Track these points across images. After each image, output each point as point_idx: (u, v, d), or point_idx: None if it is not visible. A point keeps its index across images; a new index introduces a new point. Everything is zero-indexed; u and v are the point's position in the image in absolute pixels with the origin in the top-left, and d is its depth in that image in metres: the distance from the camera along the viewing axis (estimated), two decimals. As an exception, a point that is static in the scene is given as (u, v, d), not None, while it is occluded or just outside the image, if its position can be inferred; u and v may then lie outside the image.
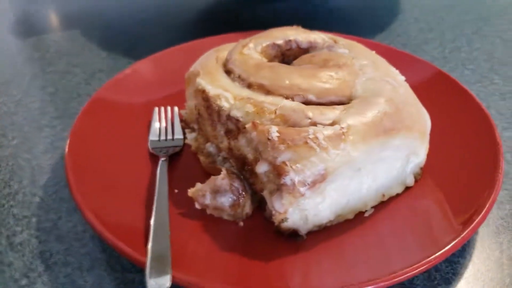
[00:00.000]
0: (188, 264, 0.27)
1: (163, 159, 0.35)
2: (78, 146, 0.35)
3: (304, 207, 0.28)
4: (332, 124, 0.29)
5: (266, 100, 0.30)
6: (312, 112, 0.29)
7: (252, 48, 0.36)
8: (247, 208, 0.31)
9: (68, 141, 0.35)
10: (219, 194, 0.31)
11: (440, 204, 0.31)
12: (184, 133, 0.38)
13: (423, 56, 0.52)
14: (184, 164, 0.36)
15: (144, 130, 0.39)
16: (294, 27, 0.40)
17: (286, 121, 0.29)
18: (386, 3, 0.69)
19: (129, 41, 0.59)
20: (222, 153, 0.35)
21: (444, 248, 0.26)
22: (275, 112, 0.29)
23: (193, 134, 0.38)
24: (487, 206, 0.29)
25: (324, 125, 0.28)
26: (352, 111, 0.29)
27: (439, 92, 0.40)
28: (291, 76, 0.31)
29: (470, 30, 0.60)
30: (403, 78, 0.34)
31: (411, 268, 0.25)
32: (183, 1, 0.70)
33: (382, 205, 0.31)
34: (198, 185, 0.31)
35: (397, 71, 0.35)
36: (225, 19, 0.65)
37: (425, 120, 0.32)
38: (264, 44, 0.37)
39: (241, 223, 0.31)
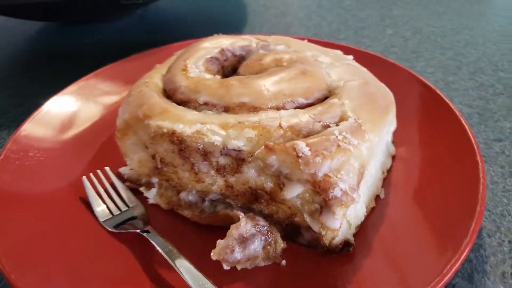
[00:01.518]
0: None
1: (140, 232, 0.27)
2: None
3: (348, 213, 0.26)
4: (341, 119, 0.27)
5: (261, 117, 0.26)
6: (320, 114, 0.26)
7: (195, 68, 0.31)
8: (280, 243, 0.27)
9: None
10: (248, 241, 0.26)
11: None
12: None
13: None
14: (162, 230, 0.29)
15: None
16: (214, 35, 0.36)
17: (298, 133, 0.26)
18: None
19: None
20: (210, 196, 0.29)
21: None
22: (281, 127, 0.26)
23: (153, 191, 0.31)
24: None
25: (335, 123, 0.26)
26: (348, 101, 0.28)
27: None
28: (268, 86, 0.28)
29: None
30: (351, 56, 0.34)
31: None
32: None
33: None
34: (220, 242, 0.25)
35: (340, 51, 0.35)
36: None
37: (386, 89, 0.33)
38: (202, 60, 0.32)
39: (283, 262, 0.26)
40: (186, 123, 0.27)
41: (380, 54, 0.52)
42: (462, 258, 0.24)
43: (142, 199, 0.31)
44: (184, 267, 0.25)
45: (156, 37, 0.58)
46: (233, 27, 0.61)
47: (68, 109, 0.38)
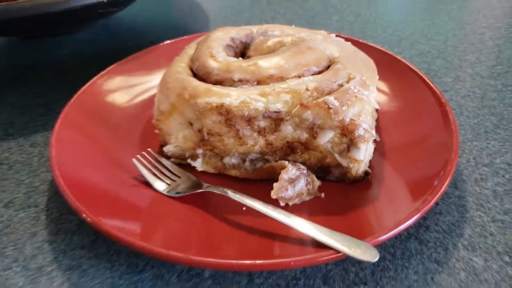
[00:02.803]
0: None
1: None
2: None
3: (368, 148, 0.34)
4: (349, 79, 0.34)
5: (289, 85, 0.33)
6: (333, 76, 0.34)
7: (221, 52, 0.37)
8: (316, 181, 0.34)
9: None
10: (295, 181, 0.32)
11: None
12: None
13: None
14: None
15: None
16: (220, 27, 0.41)
17: (322, 92, 0.33)
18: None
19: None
20: (250, 157, 0.35)
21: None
22: (307, 89, 0.33)
23: (199, 161, 0.36)
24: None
25: (346, 81, 0.34)
26: (350, 65, 0.36)
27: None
28: (287, 60, 0.35)
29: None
30: (333, 34, 0.42)
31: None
32: None
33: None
34: (276, 184, 0.32)
35: (324, 31, 0.43)
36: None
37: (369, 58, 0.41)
38: (222, 48, 0.38)
39: (322, 194, 0.33)
40: (232, 96, 0.33)
41: (334, 36, 0.61)
42: (452, 168, 0.33)
43: (189, 170, 0.36)
44: (264, 207, 0.30)
45: (128, 43, 0.62)
46: (197, 27, 0.66)
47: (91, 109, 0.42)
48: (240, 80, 0.34)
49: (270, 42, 0.39)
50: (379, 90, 0.42)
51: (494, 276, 0.29)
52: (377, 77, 0.38)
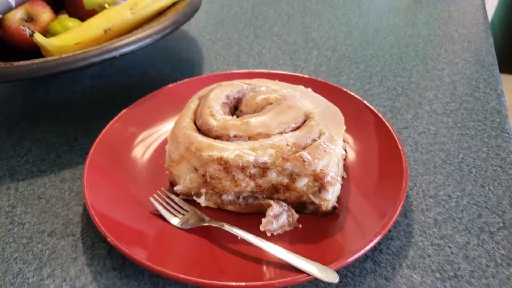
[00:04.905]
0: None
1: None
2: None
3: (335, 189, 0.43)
4: (320, 134, 0.44)
5: (274, 140, 0.42)
6: (307, 133, 0.43)
7: (218, 113, 0.46)
8: (295, 214, 0.43)
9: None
10: (279, 217, 0.42)
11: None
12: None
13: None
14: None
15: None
16: (217, 86, 0.51)
17: (299, 146, 0.42)
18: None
19: None
20: (243, 194, 0.44)
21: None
22: (288, 145, 0.42)
23: (202, 198, 0.45)
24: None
25: (318, 137, 0.43)
26: (321, 122, 0.45)
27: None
28: (272, 119, 0.44)
29: (252, 37, 0.81)
30: (309, 89, 0.52)
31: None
32: None
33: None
34: (263, 220, 0.41)
35: (302, 86, 0.52)
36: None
37: (335, 107, 0.51)
38: (219, 107, 0.47)
39: (300, 225, 0.43)
40: (228, 150, 0.42)
41: (312, 73, 0.71)
42: (402, 201, 0.42)
43: (194, 205, 0.46)
44: (252, 238, 0.40)
45: (132, 78, 0.71)
46: (193, 62, 0.75)
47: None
48: (235, 136, 0.43)
49: (258, 99, 0.48)
50: (348, 132, 0.52)
51: (426, 289, 0.39)
52: (344, 128, 0.47)
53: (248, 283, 0.36)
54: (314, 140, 0.43)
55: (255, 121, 0.44)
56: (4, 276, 0.42)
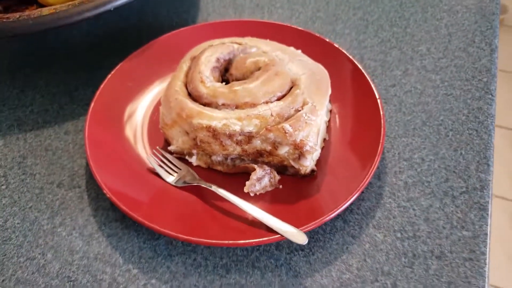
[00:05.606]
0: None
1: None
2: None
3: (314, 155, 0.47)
4: (303, 104, 0.46)
5: (259, 110, 0.45)
6: (291, 103, 0.46)
7: (208, 77, 0.48)
8: (277, 176, 0.48)
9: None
10: (261, 179, 0.47)
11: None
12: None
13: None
14: (207, 179, 0.48)
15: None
16: (208, 47, 0.52)
17: (282, 117, 0.45)
18: None
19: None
20: (230, 157, 0.49)
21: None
22: (272, 115, 0.45)
23: (194, 157, 0.50)
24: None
25: (301, 107, 0.46)
26: (305, 90, 0.47)
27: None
28: (258, 88, 0.47)
29: None
30: (299, 51, 0.53)
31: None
32: None
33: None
34: (247, 182, 0.46)
35: (292, 48, 0.53)
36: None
37: (322, 67, 0.52)
38: (209, 71, 0.49)
39: (280, 186, 0.48)
40: (216, 119, 0.45)
41: (309, 19, 0.70)
42: (375, 165, 0.46)
43: (186, 163, 0.50)
44: (235, 198, 0.45)
45: (129, 22, 0.71)
46: (189, 2, 0.74)
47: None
48: (223, 104, 0.46)
49: (247, 63, 0.50)
50: (333, 93, 0.54)
51: (386, 247, 0.45)
52: (328, 94, 0.49)
53: (228, 241, 0.42)
54: (297, 110, 0.46)
55: (242, 90, 0.47)
56: (22, 223, 0.48)
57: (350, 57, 0.57)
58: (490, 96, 0.58)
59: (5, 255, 0.46)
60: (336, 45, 0.58)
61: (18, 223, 0.48)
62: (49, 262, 0.45)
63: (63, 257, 0.45)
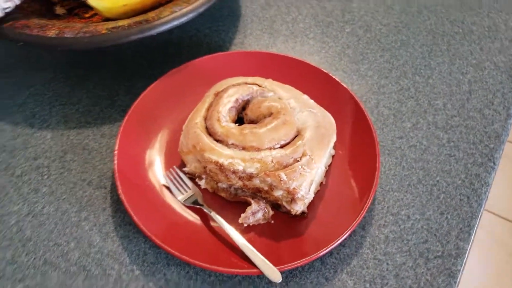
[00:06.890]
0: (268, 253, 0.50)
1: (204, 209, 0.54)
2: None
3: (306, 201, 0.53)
4: (303, 155, 0.52)
5: (262, 155, 0.51)
6: (291, 153, 0.52)
7: (224, 117, 0.55)
8: (270, 211, 0.54)
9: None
10: (256, 214, 0.53)
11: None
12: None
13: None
14: (210, 203, 0.56)
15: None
16: (230, 79, 0.58)
17: (281, 164, 0.51)
18: None
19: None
20: (233, 187, 0.55)
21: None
22: (273, 161, 0.51)
23: (203, 181, 0.57)
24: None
25: (300, 157, 0.52)
26: (307, 142, 0.53)
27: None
28: (265, 135, 0.53)
29: None
30: (312, 101, 0.58)
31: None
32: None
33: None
34: (242, 215, 0.53)
35: (306, 96, 0.58)
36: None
37: (331, 119, 0.58)
38: (227, 111, 0.55)
39: (272, 221, 0.54)
40: (224, 157, 0.52)
41: (337, 55, 0.74)
42: (361, 216, 0.52)
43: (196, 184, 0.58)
44: (229, 228, 0.52)
45: (171, 36, 0.77)
46: (230, 22, 0.79)
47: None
48: (233, 144, 0.53)
49: (262, 107, 0.56)
50: (339, 137, 0.59)
51: (353, 294, 0.51)
52: (331, 145, 0.55)
53: (211, 266, 0.49)
54: (296, 160, 0.52)
55: (251, 134, 0.53)
56: (56, 212, 0.58)
57: (362, 106, 0.61)
58: (492, 164, 0.61)
59: (38, 236, 0.56)
60: (352, 93, 0.63)
61: (52, 211, 0.58)
62: (71, 250, 0.54)
63: (82, 248, 0.55)
